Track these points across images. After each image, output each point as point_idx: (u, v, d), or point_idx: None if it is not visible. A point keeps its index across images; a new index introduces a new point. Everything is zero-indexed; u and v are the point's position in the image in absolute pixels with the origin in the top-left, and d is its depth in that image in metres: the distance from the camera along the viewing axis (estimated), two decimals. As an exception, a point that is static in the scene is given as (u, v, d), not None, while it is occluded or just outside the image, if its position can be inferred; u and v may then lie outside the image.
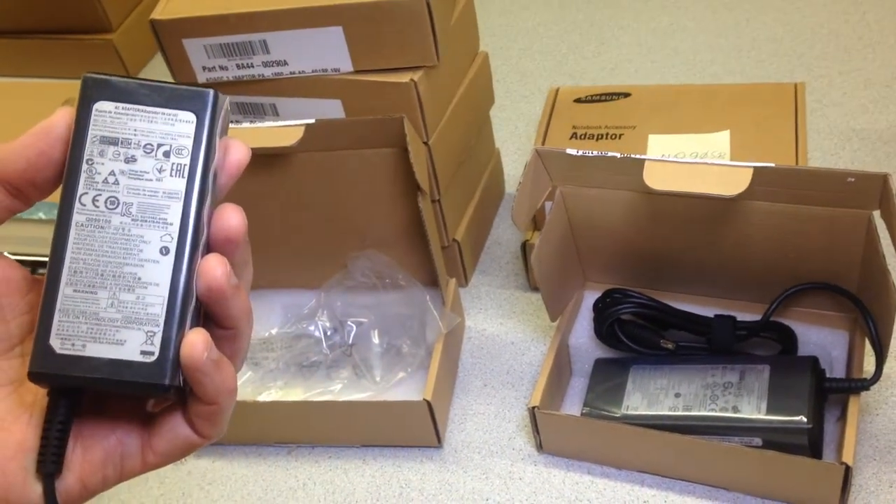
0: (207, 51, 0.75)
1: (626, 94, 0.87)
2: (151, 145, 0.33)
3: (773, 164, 0.59)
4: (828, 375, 0.67)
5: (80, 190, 0.32)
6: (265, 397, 0.77)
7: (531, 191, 0.67)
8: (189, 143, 0.33)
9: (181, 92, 0.33)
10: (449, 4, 0.78)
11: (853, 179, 0.58)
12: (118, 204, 0.32)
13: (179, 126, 0.33)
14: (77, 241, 0.32)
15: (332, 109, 0.78)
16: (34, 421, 0.32)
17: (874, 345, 0.65)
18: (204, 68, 0.77)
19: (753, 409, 0.65)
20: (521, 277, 0.87)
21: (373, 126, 0.71)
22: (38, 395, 0.33)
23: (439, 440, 0.74)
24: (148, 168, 0.33)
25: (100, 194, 0.32)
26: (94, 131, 0.33)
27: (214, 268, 0.32)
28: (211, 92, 0.33)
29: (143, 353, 0.32)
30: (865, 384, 0.64)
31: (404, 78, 0.73)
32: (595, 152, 0.64)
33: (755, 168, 0.59)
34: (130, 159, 0.33)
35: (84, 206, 0.32)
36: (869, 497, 0.65)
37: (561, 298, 0.75)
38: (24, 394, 0.33)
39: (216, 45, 0.75)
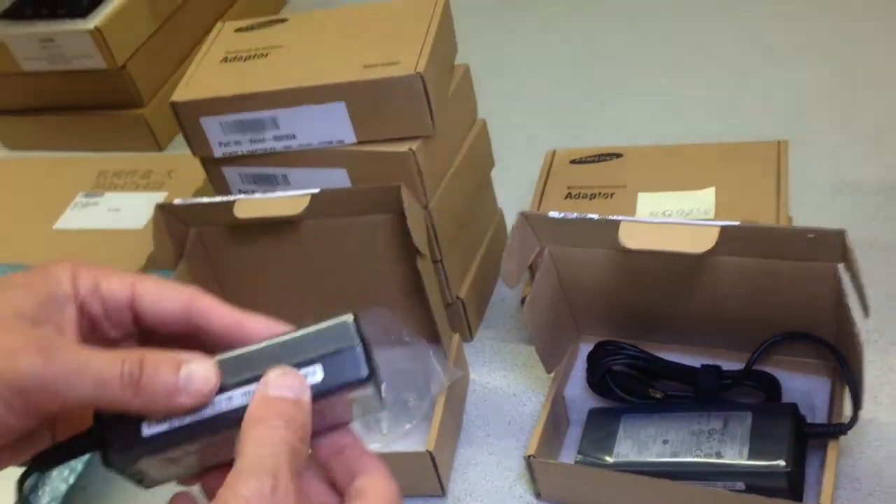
0: (223, 127, 0.81)
1: (619, 155, 0.91)
2: None
3: (738, 223, 0.63)
4: (809, 421, 0.70)
5: None
6: (279, 450, 0.81)
7: (519, 252, 0.72)
8: None
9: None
10: (446, 78, 0.83)
11: (813, 236, 0.61)
12: None
13: None
14: None
15: (339, 178, 0.83)
16: None
17: (852, 391, 0.68)
18: (220, 143, 0.83)
19: (736, 455, 0.68)
20: (523, 331, 0.91)
21: (373, 194, 0.76)
22: None
23: (443, 489, 0.78)
24: None
25: None
26: None
27: None
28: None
29: None
30: (843, 429, 0.67)
31: (403, 147, 0.78)
32: (574, 214, 0.68)
33: (721, 227, 0.63)
34: None
35: None
36: (852, 538, 0.68)
37: (556, 351, 0.79)
38: None
39: (230, 122, 0.81)
